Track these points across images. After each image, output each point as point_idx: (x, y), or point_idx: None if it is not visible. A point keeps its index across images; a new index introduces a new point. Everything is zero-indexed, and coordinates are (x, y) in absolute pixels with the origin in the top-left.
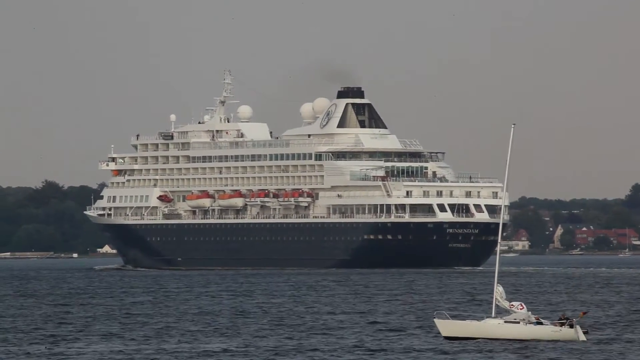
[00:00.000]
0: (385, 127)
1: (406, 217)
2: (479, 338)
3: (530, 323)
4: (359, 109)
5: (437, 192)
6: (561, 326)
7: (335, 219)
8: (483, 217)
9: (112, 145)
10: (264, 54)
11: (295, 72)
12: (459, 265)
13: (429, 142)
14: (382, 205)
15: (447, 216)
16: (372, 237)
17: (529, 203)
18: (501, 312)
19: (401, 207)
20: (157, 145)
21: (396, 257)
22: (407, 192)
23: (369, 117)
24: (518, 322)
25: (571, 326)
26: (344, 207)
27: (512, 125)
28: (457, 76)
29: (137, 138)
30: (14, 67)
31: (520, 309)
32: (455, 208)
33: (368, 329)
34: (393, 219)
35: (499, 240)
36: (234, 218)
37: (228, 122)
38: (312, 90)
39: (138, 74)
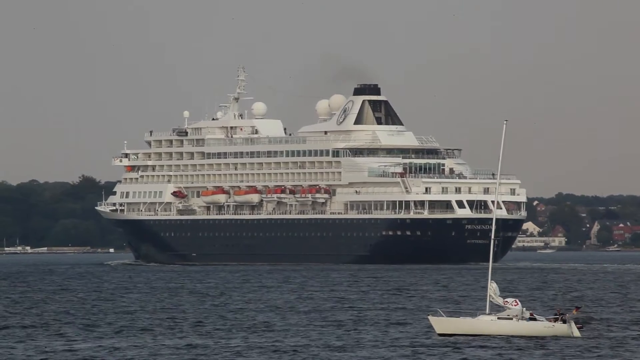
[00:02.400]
0: (401, 124)
1: (425, 214)
2: (472, 335)
3: (523, 319)
4: (375, 105)
5: (456, 188)
6: (555, 322)
7: (354, 215)
8: (501, 213)
9: (125, 142)
10: (276, 51)
11: (309, 69)
12: (477, 261)
13: (443, 139)
14: (400, 201)
15: (465, 212)
16: (390, 233)
17: (566, 199)
18: (496, 308)
19: (420, 204)
20: (171, 141)
21: (414, 253)
22: (426, 189)
23: (386, 114)
24: (511, 319)
25: (564, 322)
26: (361, 203)
27: (504, 122)
28: (470, 73)
29: (151, 134)
30: (34, 67)
31: (515, 305)
32: (474, 204)
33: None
34: (412, 215)
35: (492, 237)
36: (250, 214)
37: (241, 118)
38: (326, 88)
39: (150, 71)
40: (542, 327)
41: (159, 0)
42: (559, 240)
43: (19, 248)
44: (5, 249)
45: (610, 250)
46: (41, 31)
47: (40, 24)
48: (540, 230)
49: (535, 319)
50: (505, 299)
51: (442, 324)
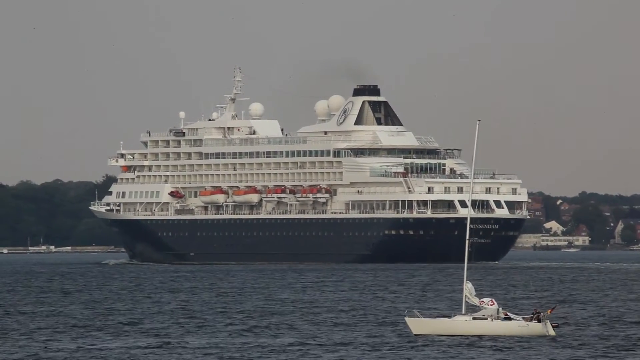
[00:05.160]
0: (401, 124)
1: (428, 213)
2: (448, 335)
3: (498, 319)
4: (375, 106)
5: (458, 188)
6: (530, 321)
7: (356, 214)
8: (503, 212)
9: (121, 142)
10: (273, 52)
11: (306, 69)
12: (479, 260)
13: (442, 139)
14: (403, 201)
15: (468, 212)
16: (393, 232)
17: (590, 198)
18: (472, 308)
19: (423, 203)
20: (168, 141)
21: (417, 253)
22: (429, 189)
23: (385, 115)
24: (486, 319)
25: (539, 321)
26: (362, 203)
27: (477, 122)
28: (467, 73)
29: (149, 134)
30: (33, 66)
31: (491, 305)
32: (476, 204)
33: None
34: (415, 214)
35: (467, 237)
36: (249, 214)
37: (238, 119)
38: (324, 88)
39: (145, 72)
40: (517, 326)
41: (157, 2)
42: (582, 240)
43: (43, 247)
44: (30, 248)
45: (635, 249)
46: (41, 31)
47: (40, 24)
48: (564, 229)
49: (510, 319)
50: (482, 299)
51: (418, 324)
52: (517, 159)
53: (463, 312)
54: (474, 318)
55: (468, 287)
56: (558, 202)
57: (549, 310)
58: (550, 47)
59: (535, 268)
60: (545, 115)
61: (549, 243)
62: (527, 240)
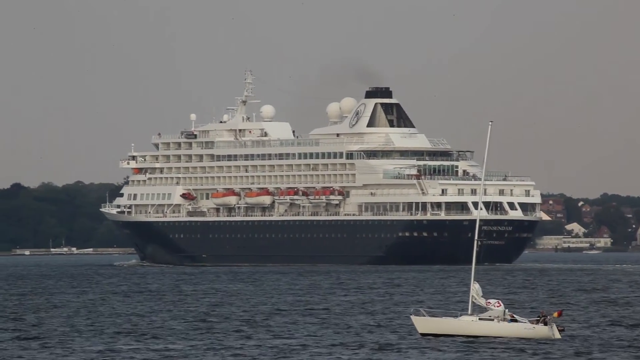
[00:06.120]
0: (413, 127)
1: (442, 215)
2: (454, 335)
3: (505, 320)
4: (387, 108)
5: (472, 190)
6: (536, 324)
7: (369, 216)
8: (517, 214)
9: (133, 144)
10: (283, 54)
11: (317, 72)
12: (492, 262)
13: (454, 141)
14: (417, 203)
15: (482, 214)
16: (407, 234)
17: (611, 200)
18: (478, 309)
19: (437, 205)
20: (179, 143)
21: (430, 254)
22: (442, 190)
23: (398, 117)
24: (492, 320)
25: (545, 323)
26: (376, 204)
27: (490, 123)
28: (479, 75)
29: (160, 136)
30: (33, 67)
31: (497, 306)
32: (490, 206)
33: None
34: (429, 216)
35: (476, 237)
36: (261, 215)
37: (249, 121)
38: (334, 90)
39: (155, 73)
40: (523, 328)
41: (165, 3)
42: (604, 241)
43: (65, 249)
44: (52, 250)
45: None
46: (41, 31)
47: (40, 24)
48: (586, 231)
49: (516, 321)
50: (488, 300)
51: (424, 323)
52: (536, 161)
53: (469, 312)
54: (480, 319)
55: (475, 288)
56: (580, 204)
57: (556, 314)
58: (551, 46)
59: (550, 270)
60: (561, 116)
61: (571, 245)
62: (548, 242)
